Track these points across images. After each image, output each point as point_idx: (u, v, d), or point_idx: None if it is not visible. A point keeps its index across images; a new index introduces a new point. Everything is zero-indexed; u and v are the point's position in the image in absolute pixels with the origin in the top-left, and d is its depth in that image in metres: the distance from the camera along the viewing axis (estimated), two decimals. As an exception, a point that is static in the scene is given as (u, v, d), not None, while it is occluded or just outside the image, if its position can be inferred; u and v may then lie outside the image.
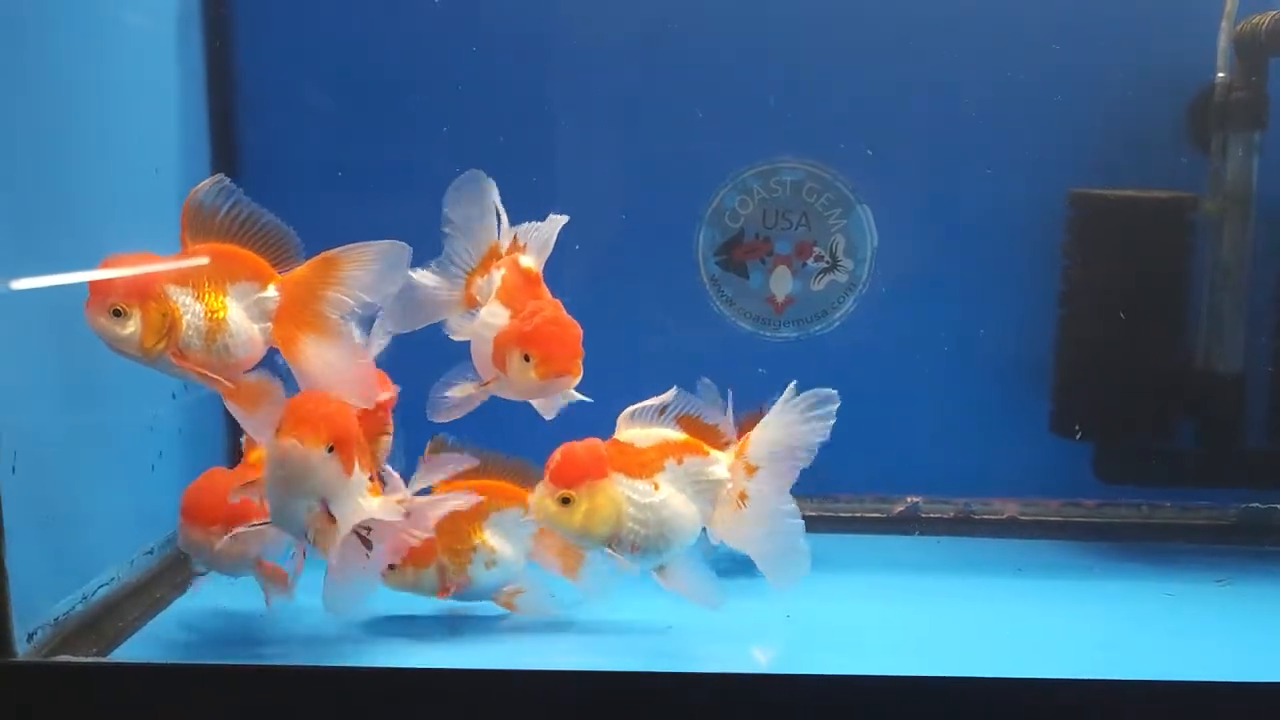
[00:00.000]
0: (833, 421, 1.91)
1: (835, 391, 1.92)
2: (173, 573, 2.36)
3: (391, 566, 2.04)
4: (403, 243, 1.88)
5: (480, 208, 1.98)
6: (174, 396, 2.48)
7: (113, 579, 2.22)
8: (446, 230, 1.99)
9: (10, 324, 1.87)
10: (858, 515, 2.76)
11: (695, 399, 1.97)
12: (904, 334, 2.71)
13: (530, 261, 1.95)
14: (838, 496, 2.77)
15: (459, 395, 1.98)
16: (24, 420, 1.91)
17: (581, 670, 1.89)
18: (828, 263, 2.71)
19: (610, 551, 1.90)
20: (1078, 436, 2.58)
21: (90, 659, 1.97)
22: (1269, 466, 2.60)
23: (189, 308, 1.82)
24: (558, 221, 1.99)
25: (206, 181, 1.83)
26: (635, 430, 1.93)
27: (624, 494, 1.89)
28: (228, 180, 1.84)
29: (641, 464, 1.90)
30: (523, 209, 2.62)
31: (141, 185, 2.43)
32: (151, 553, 2.38)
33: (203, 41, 2.65)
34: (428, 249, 2.66)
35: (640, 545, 1.90)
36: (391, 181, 2.68)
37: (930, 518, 2.76)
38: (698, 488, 1.93)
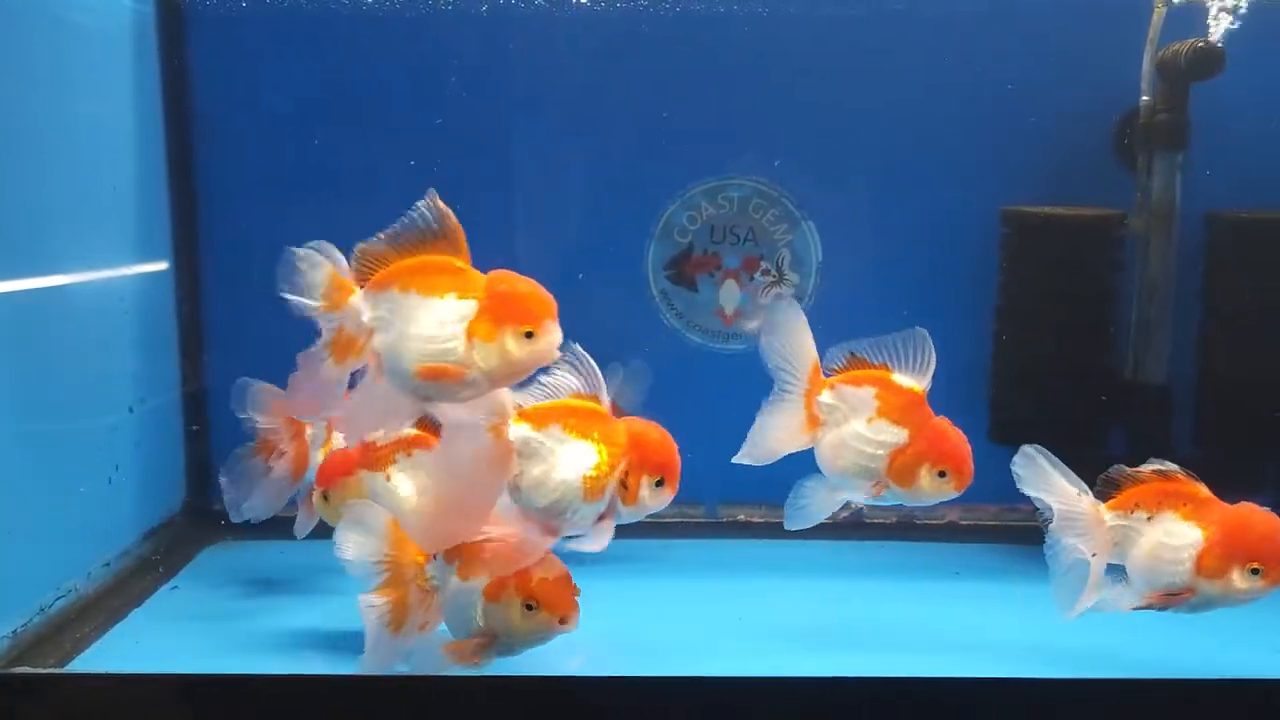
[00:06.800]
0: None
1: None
2: (130, 585, 2.38)
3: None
4: None
5: (799, 334, 2.07)
6: (131, 410, 2.50)
7: (70, 591, 2.23)
8: (772, 363, 2.08)
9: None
10: (804, 522, 2.84)
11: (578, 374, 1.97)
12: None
13: (911, 381, 2.04)
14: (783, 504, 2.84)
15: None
16: (-18, 434, 1.93)
17: (532, 676, 1.93)
18: (774, 276, 2.79)
19: None
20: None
21: (48, 670, 1.98)
22: (1196, 472, 2.70)
23: None
24: (924, 337, 2.04)
25: None
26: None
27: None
28: None
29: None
30: (479, 228, 2.69)
31: (99, 202, 2.45)
32: (109, 565, 2.39)
33: (158, 57, 2.68)
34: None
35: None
36: (346, 195, 2.71)
37: (874, 523, 2.83)
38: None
